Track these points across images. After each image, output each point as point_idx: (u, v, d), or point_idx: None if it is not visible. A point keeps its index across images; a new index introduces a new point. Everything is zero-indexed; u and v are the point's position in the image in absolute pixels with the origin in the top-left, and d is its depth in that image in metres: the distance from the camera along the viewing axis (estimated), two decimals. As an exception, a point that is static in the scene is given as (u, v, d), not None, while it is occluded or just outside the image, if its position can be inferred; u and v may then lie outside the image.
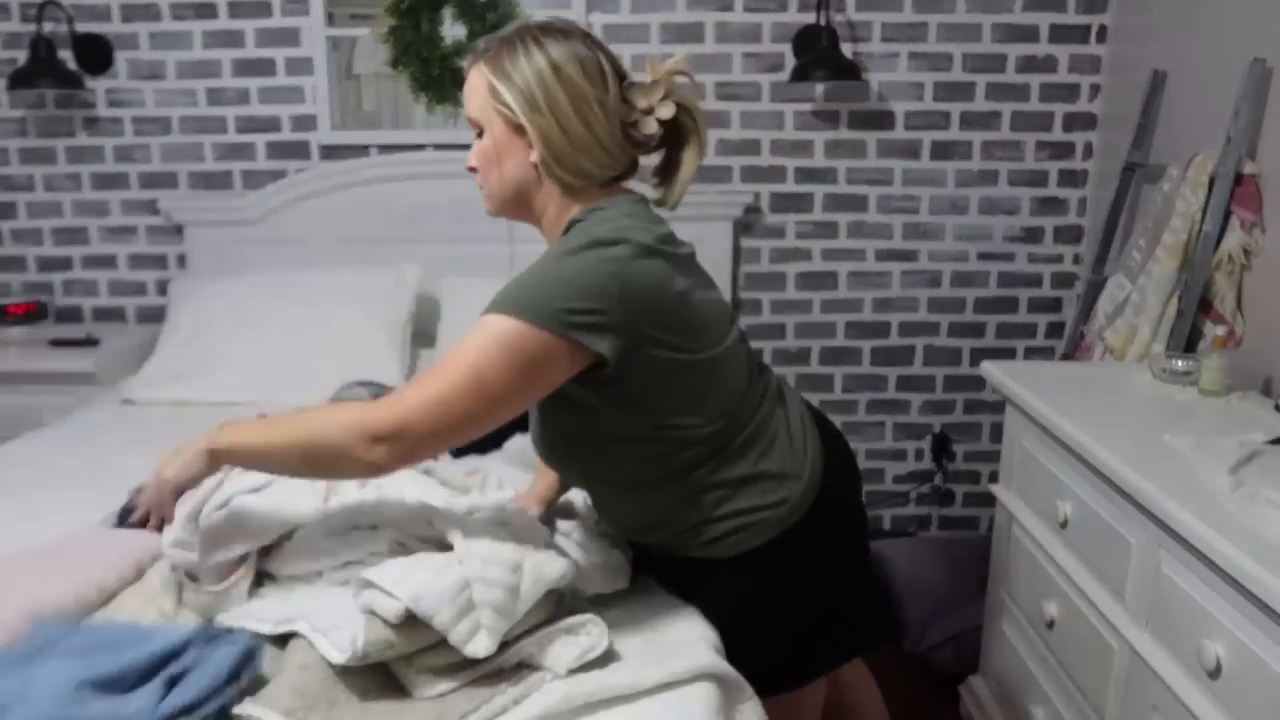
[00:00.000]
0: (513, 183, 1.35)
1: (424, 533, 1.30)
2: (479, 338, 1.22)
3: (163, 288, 3.07)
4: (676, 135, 1.38)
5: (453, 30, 2.92)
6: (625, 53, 2.94)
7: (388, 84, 2.98)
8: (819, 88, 2.96)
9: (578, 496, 1.63)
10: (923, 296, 3.11)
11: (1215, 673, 1.41)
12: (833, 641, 1.51)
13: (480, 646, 1.19)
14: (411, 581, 1.18)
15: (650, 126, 1.34)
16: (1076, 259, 3.07)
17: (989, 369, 2.22)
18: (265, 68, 2.97)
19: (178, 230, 3.04)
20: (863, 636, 1.56)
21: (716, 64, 2.96)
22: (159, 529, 1.38)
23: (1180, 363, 2.07)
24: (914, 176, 3.03)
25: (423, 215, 2.97)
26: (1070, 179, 3.03)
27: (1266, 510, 1.43)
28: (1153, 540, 1.59)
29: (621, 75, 1.35)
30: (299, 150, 3.02)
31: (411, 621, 1.18)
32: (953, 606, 2.66)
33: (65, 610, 1.31)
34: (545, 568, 1.26)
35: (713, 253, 2.89)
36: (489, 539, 1.26)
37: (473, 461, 1.93)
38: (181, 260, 3.08)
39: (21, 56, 2.85)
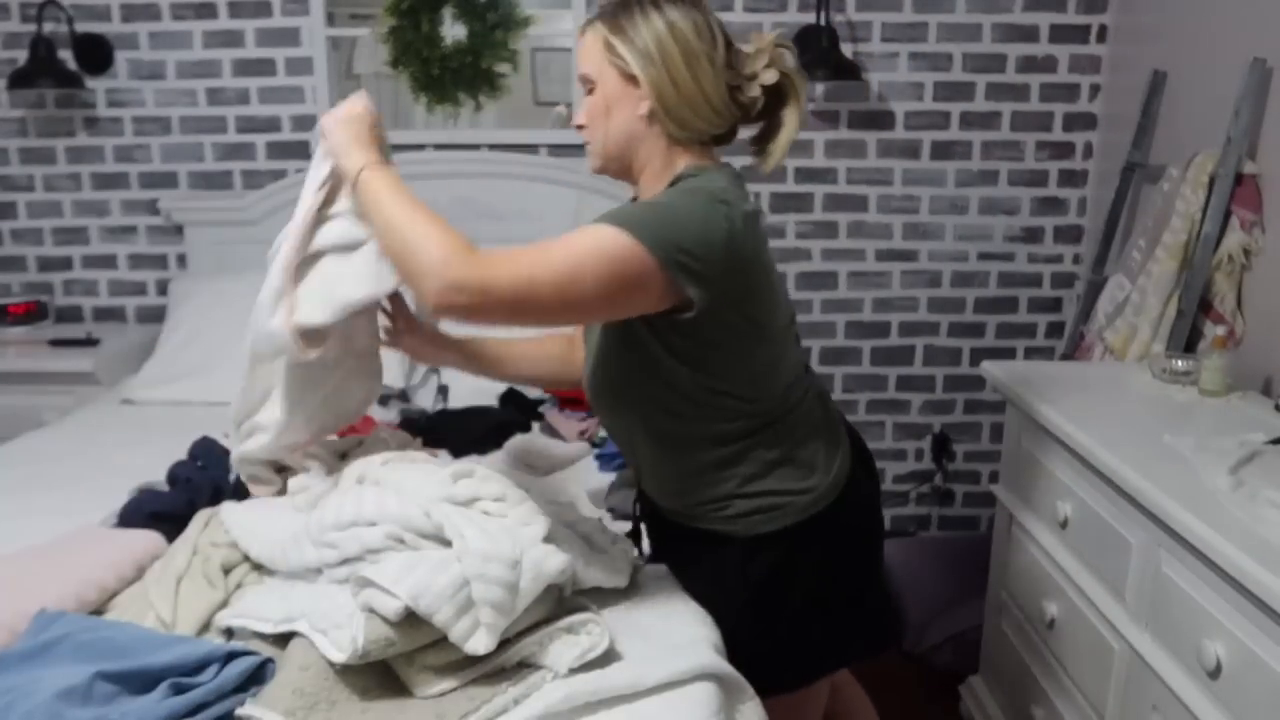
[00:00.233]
0: (621, 135, 1.40)
1: (422, 527, 1.29)
2: (589, 238, 1.25)
3: (163, 288, 3.07)
4: (776, 103, 1.44)
5: (453, 30, 2.92)
6: (625, 53, 2.94)
7: (388, 84, 2.98)
8: (819, 87, 2.96)
9: (580, 489, 1.63)
10: (923, 296, 3.11)
11: (1215, 673, 1.41)
12: (836, 642, 1.51)
13: (480, 644, 1.19)
14: (411, 579, 1.18)
15: (754, 90, 1.41)
16: (1076, 259, 3.07)
17: (989, 369, 2.22)
18: (265, 68, 2.97)
19: (178, 230, 3.04)
20: (865, 642, 1.56)
21: (716, 64, 2.95)
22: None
23: (1180, 363, 2.07)
24: (914, 176, 3.03)
25: (423, 215, 2.97)
26: (1070, 179, 3.03)
27: (1266, 510, 1.43)
28: (1153, 540, 1.59)
29: (729, 41, 1.42)
30: (299, 150, 3.02)
31: (411, 619, 1.18)
32: (953, 606, 2.66)
33: (65, 610, 1.31)
34: (545, 564, 1.26)
35: (713, 253, 2.89)
36: (488, 536, 1.26)
37: (473, 461, 1.93)
38: (181, 260, 3.08)
39: (21, 56, 2.85)
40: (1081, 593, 1.82)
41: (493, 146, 2.99)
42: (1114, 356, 2.42)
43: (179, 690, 1.12)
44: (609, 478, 1.95)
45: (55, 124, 3.02)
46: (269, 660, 1.21)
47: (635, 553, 1.56)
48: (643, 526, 1.62)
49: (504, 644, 1.22)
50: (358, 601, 1.21)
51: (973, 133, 3.00)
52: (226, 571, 1.44)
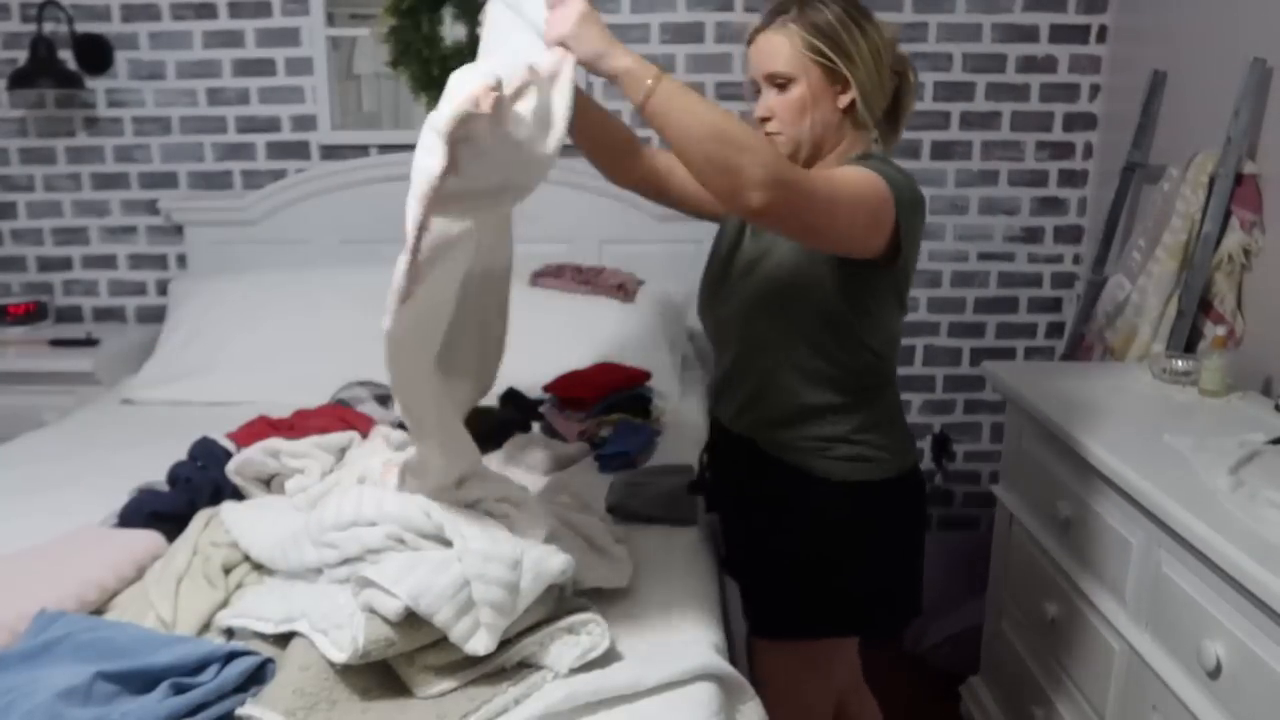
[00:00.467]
0: (819, 126, 1.51)
1: (422, 527, 1.30)
2: (864, 178, 1.38)
3: (163, 288, 3.07)
4: (897, 88, 1.58)
5: (453, 30, 2.92)
6: (625, 53, 2.94)
7: (388, 84, 2.98)
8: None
9: (580, 489, 1.64)
10: (923, 296, 3.11)
11: (1215, 673, 1.41)
12: (877, 603, 1.61)
13: (480, 644, 1.19)
14: (411, 579, 1.18)
15: (894, 78, 1.56)
16: (1076, 259, 3.07)
17: (989, 369, 2.22)
18: (265, 68, 2.97)
19: (178, 230, 3.04)
20: (900, 617, 1.69)
21: (716, 64, 2.96)
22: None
23: (1180, 363, 2.07)
24: (914, 176, 3.02)
25: (423, 215, 2.97)
26: (1070, 179, 3.03)
27: (1266, 510, 1.43)
28: (1153, 540, 1.59)
29: None
30: (299, 150, 3.02)
31: (412, 619, 1.18)
32: (953, 606, 2.66)
33: (65, 611, 1.31)
34: (545, 564, 1.26)
35: (713, 253, 2.89)
36: (488, 536, 1.26)
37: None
38: (181, 260, 3.08)
39: (21, 56, 2.85)
40: (1081, 593, 1.82)
41: (493, 146, 2.98)
42: (1114, 356, 2.42)
43: (179, 690, 1.12)
44: (609, 478, 1.94)
45: (55, 124, 3.02)
46: (269, 660, 1.21)
47: (702, 506, 1.72)
48: (707, 475, 1.75)
49: (504, 644, 1.22)
50: (358, 601, 1.21)
51: (973, 133, 3.00)
52: (227, 571, 1.44)
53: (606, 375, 2.30)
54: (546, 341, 2.52)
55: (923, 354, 3.14)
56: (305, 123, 3.00)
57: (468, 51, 2.92)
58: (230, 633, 1.32)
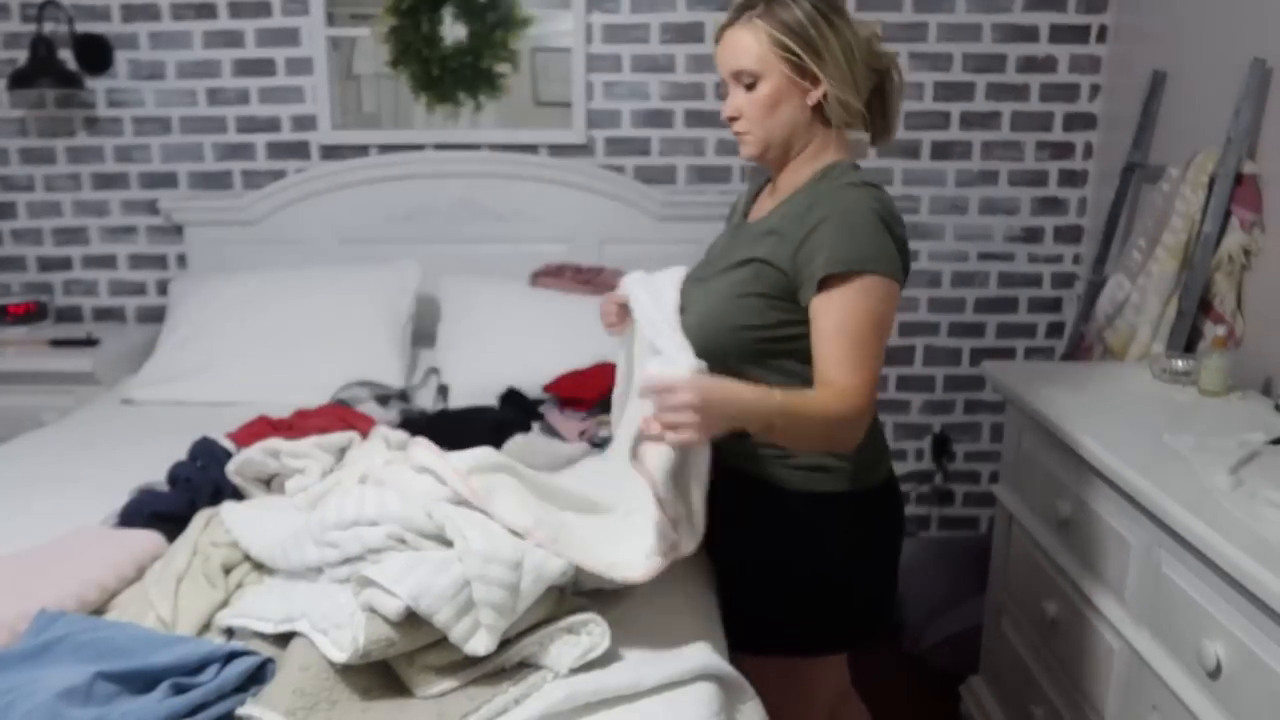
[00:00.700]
0: (788, 124, 1.49)
1: (423, 527, 1.30)
2: (868, 300, 1.39)
3: (163, 288, 3.07)
4: (880, 85, 1.55)
5: (453, 30, 2.92)
6: (625, 52, 2.94)
7: (388, 84, 2.98)
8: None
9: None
10: (923, 296, 3.11)
11: (1215, 673, 1.41)
12: (841, 621, 1.57)
13: (480, 645, 1.19)
14: (412, 579, 1.18)
15: (873, 76, 1.52)
16: (1076, 259, 3.07)
17: (989, 369, 2.22)
18: (265, 68, 2.97)
19: (178, 230, 3.04)
20: (867, 634, 1.61)
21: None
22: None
23: (1180, 363, 2.07)
24: (914, 176, 3.03)
25: (423, 215, 2.97)
26: (1070, 179, 3.03)
27: (1266, 510, 1.43)
28: (1153, 540, 1.59)
29: None
30: (299, 150, 3.02)
31: (412, 619, 1.18)
32: (953, 606, 2.66)
33: (65, 611, 1.31)
34: (546, 565, 1.26)
35: (713, 253, 2.89)
36: (489, 537, 1.26)
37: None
38: (181, 260, 3.08)
39: (21, 56, 2.85)
40: (1081, 593, 1.82)
41: (493, 146, 2.99)
42: (1114, 356, 2.42)
43: (179, 690, 1.12)
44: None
45: (55, 124, 3.02)
46: (269, 660, 1.21)
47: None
48: None
49: (504, 644, 1.22)
50: (359, 601, 1.21)
51: (973, 133, 3.00)
52: (227, 571, 1.44)
53: (606, 375, 2.30)
54: (546, 341, 2.52)
55: (923, 354, 3.14)
56: (305, 123, 3.00)
57: (468, 51, 2.92)
58: (230, 633, 1.32)
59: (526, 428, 2.25)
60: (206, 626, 1.33)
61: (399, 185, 2.96)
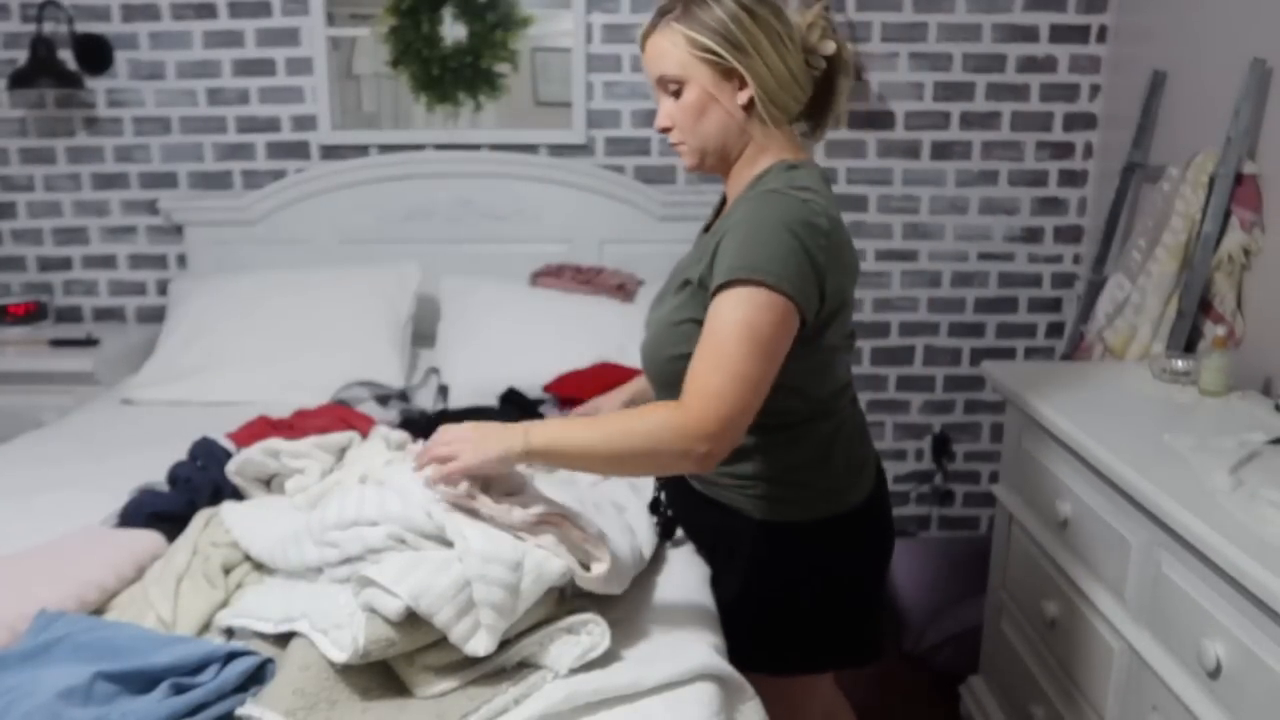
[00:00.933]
0: (720, 129, 1.41)
1: (423, 528, 1.30)
2: (741, 308, 1.28)
3: (163, 288, 3.07)
4: (828, 73, 1.46)
5: (453, 30, 2.92)
6: (625, 52, 2.94)
7: (388, 84, 2.98)
8: (819, 88, 2.96)
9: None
10: (923, 296, 3.11)
11: (1215, 673, 1.41)
12: (816, 643, 1.54)
13: (480, 645, 1.19)
14: (412, 579, 1.18)
15: (820, 63, 1.43)
16: (1076, 259, 3.07)
17: (989, 369, 2.22)
18: (265, 68, 2.97)
19: (178, 230, 3.04)
20: (846, 653, 1.58)
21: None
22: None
23: (1180, 363, 2.07)
24: (914, 176, 3.03)
25: (423, 215, 2.97)
26: (1070, 179, 3.03)
27: (1266, 510, 1.43)
28: (1153, 540, 1.59)
29: None
30: (299, 150, 3.02)
31: (412, 619, 1.18)
32: (953, 606, 2.66)
33: (65, 610, 1.31)
34: (546, 566, 1.26)
35: (713, 253, 2.89)
36: (489, 537, 1.26)
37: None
38: (181, 260, 3.08)
39: (21, 56, 2.85)
40: (1081, 593, 1.82)
41: (493, 146, 2.99)
42: (1114, 356, 2.42)
43: (179, 690, 1.12)
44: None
45: (55, 124, 3.02)
46: (269, 660, 1.21)
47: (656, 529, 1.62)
48: (663, 506, 1.66)
49: (504, 644, 1.22)
50: (359, 601, 1.21)
51: (973, 133, 3.00)
52: (227, 571, 1.44)
53: (606, 375, 2.31)
54: (546, 341, 2.52)
55: (923, 354, 3.14)
56: (305, 123, 3.00)
57: (468, 51, 2.92)
58: (230, 633, 1.32)
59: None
60: (206, 626, 1.33)
61: (399, 185, 2.96)
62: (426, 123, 2.99)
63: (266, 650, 1.24)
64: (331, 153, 3.01)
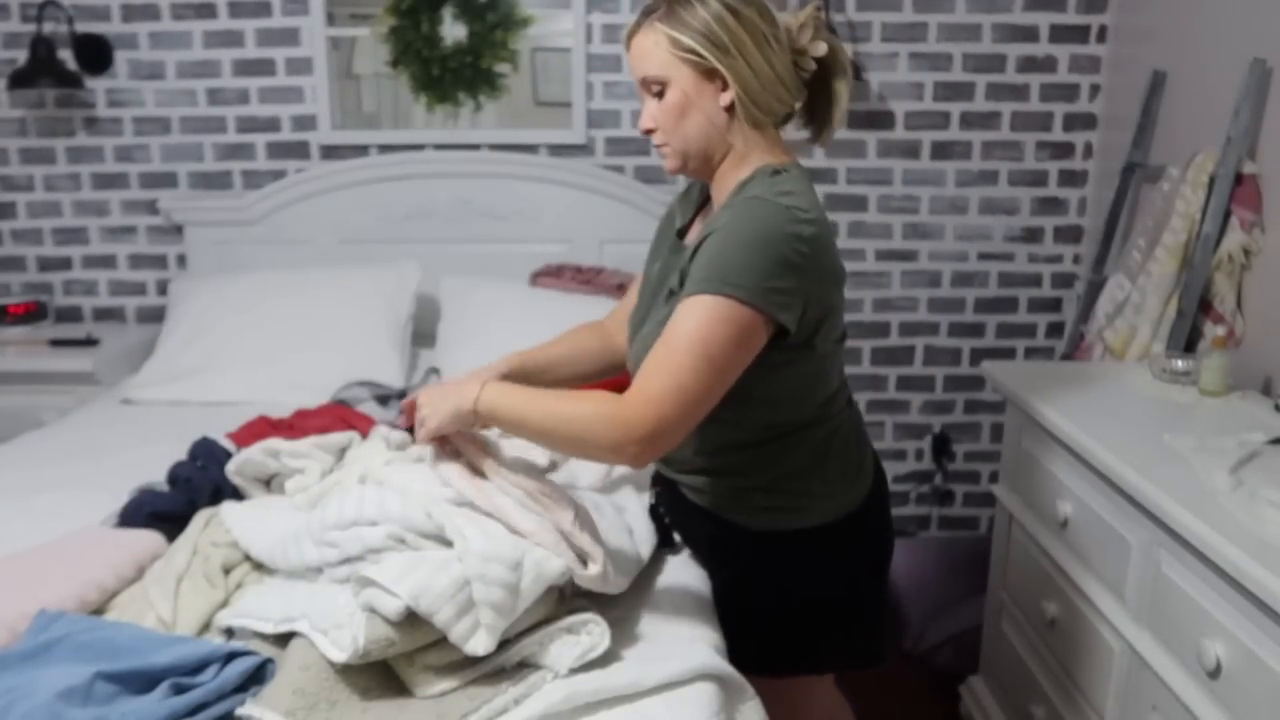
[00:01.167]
0: (703, 130, 1.38)
1: (423, 527, 1.30)
2: (698, 318, 1.26)
3: (163, 288, 3.07)
4: (823, 74, 1.44)
5: (453, 30, 2.92)
6: (625, 52, 2.94)
7: (388, 84, 2.98)
8: (819, 88, 2.96)
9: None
10: (923, 296, 3.11)
11: (1215, 673, 1.41)
12: (818, 650, 1.54)
13: (480, 645, 1.19)
14: (412, 579, 1.18)
15: (810, 65, 1.41)
16: (1076, 259, 3.07)
17: (989, 369, 2.22)
18: (265, 68, 2.97)
19: (178, 230, 3.04)
20: (848, 656, 1.58)
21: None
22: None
23: (1180, 363, 2.07)
24: (914, 176, 3.03)
25: (423, 215, 2.97)
26: (1070, 179, 3.03)
27: (1266, 510, 1.43)
28: (1153, 540, 1.59)
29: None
30: (299, 150, 3.02)
31: (412, 619, 1.18)
32: (953, 606, 2.66)
33: (65, 610, 1.31)
34: (546, 565, 1.26)
35: (713, 253, 2.89)
36: (489, 536, 1.26)
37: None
38: (181, 260, 3.08)
39: (21, 56, 2.85)
40: (1081, 593, 1.82)
41: (493, 146, 2.99)
42: (1114, 356, 2.42)
43: (179, 690, 1.12)
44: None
45: (55, 124, 3.02)
46: (269, 660, 1.21)
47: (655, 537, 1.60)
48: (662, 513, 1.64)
49: (504, 644, 1.22)
50: (359, 601, 1.21)
51: (973, 133, 3.00)
52: (227, 571, 1.44)
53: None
54: (546, 341, 2.52)
55: (923, 354, 3.15)
56: (305, 123, 3.00)
57: (468, 51, 2.93)
58: (230, 633, 1.32)
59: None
60: (206, 626, 1.33)
61: (399, 185, 2.96)
62: (426, 123, 2.99)
63: (266, 650, 1.24)
64: (331, 153, 3.01)
